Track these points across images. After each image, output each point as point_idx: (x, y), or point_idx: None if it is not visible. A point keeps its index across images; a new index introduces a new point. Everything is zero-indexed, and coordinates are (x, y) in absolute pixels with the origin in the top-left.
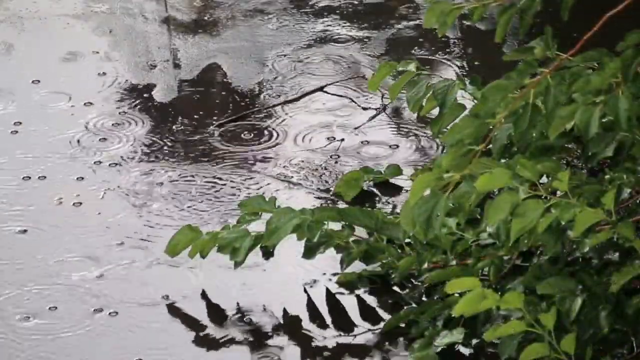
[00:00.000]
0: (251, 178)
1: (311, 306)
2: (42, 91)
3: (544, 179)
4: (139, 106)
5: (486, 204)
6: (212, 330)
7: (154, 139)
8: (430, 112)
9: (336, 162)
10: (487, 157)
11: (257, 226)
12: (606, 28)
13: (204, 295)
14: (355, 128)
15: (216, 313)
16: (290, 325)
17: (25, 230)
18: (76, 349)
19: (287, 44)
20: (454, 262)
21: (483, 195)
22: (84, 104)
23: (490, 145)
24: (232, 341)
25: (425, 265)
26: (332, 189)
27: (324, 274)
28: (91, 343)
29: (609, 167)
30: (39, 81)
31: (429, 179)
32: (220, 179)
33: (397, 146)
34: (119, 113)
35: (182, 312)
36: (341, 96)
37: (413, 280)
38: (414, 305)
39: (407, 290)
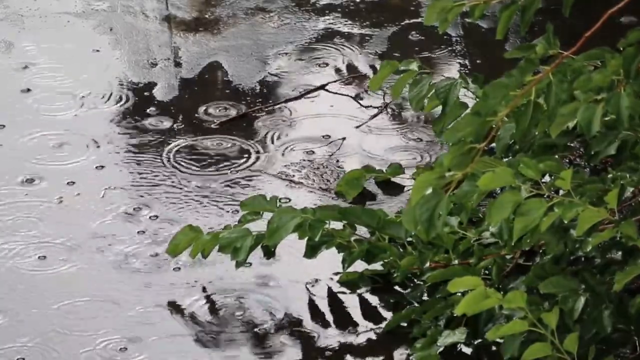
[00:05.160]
0: (252, 177)
1: (313, 305)
2: (41, 90)
3: (547, 178)
4: (139, 105)
5: (488, 203)
6: (213, 330)
7: (155, 138)
8: (432, 110)
9: (337, 161)
10: (488, 156)
11: (257, 225)
12: (608, 25)
13: (204, 294)
14: (357, 127)
15: (217, 313)
16: (291, 325)
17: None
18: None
19: (288, 42)
20: (456, 262)
21: (485, 194)
22: (84, 103)
23: (492, 144)
24: (232, 341)
25: (427, 265)
26: (333, 187)
27: (326, 273)
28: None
29: (612, 166)
30: (38, 81)
31: (431, 178)
32: (220, 178)
33: (399, 145)
34: (120, 112)
35: (183, 311)
36: (343, 95)
37: (415, 280)
38: (416, 304)
39: (409, 289)
